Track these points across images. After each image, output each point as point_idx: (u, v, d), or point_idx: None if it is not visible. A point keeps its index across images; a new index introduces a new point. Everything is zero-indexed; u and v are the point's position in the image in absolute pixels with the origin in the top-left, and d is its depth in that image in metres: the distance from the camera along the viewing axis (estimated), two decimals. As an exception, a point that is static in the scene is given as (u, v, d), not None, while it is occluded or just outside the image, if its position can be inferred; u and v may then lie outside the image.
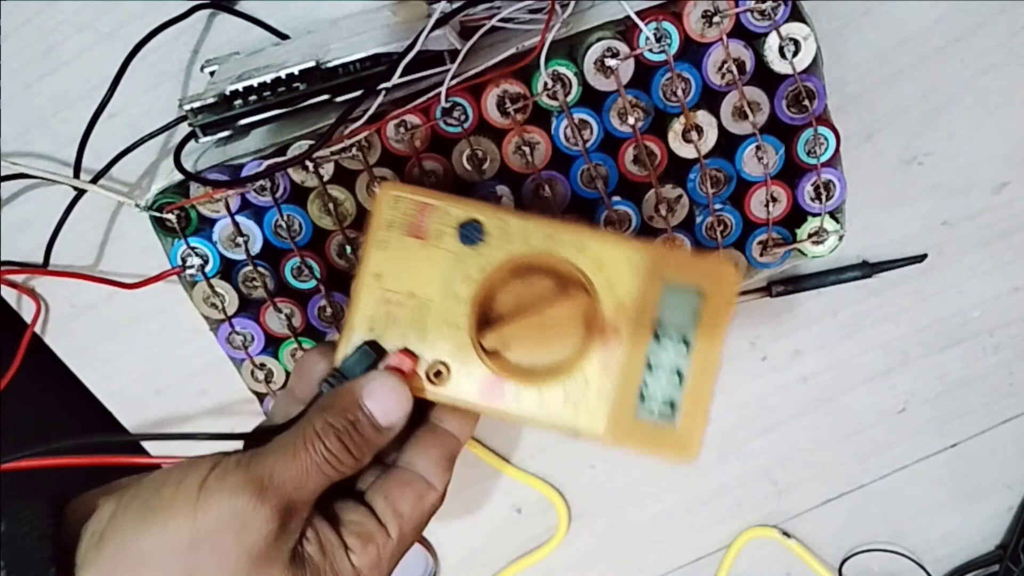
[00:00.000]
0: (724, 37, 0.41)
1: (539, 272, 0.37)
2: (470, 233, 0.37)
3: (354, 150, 0.42)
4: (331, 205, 0.43)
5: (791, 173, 0.44)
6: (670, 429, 0.38)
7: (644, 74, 0.42)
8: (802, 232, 0.46)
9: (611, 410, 0.38)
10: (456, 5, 0.39)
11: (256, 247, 0.44)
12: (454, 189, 0.44)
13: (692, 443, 0.38)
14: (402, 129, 0.41)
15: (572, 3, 0.40)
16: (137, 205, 0.43)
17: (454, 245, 0.37)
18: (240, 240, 0.44)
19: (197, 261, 0.44)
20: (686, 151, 0.43)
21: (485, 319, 0.38)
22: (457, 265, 0.37)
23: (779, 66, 0.42)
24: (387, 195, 0.37)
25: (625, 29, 0.41)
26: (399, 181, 0.41)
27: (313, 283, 0.45)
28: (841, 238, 0.46)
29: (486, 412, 0.38)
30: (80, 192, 0.49)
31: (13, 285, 0.52)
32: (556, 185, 0.43)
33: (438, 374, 0.37)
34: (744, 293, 0.54)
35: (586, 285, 0.37)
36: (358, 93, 0.40)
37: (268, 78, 0.40)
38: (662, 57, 0.41)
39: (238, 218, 0.43)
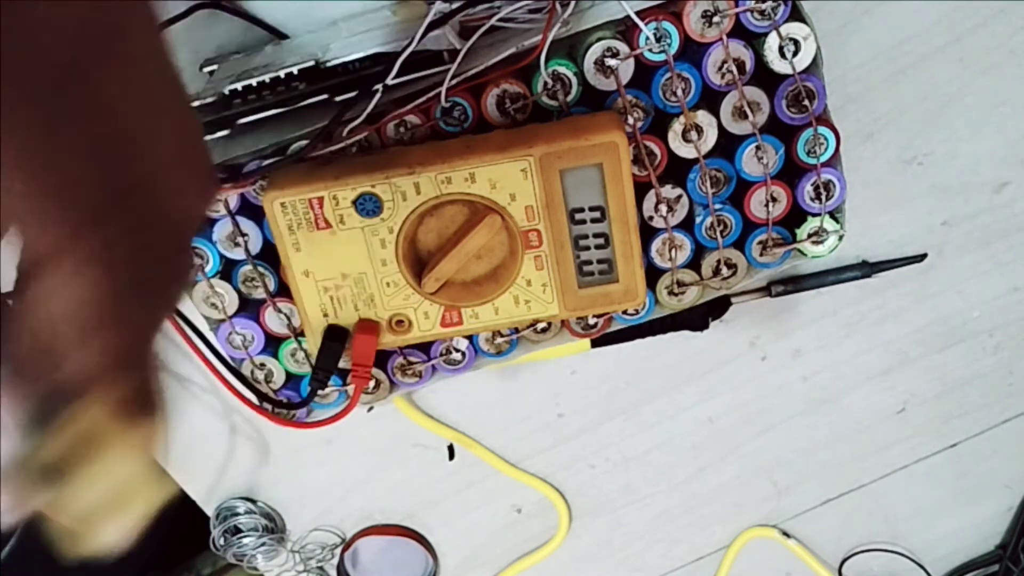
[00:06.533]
0: (724, 37, 0.41)
1: (447, 203, 0.40)
2: (367, 205, 0.39)
3: (354, 150, 0.42)
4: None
5: (791, 173, 0.44)
6: (613, 285, 0.42)
7: (644, 74, 0.41)
8: (802, 232, 0.46)
9: (558, 293, 0.42)
10: (455, 5, 0.39)
11: (256, 247, 0.44)
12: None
13: (635, 288, 0.42)
14: (402, 129, 0.41)
15: (572, 3, 0.40)
16: (137, 205, 0.43)
17: (358, 220, 0.40)
18: (240, 240, 0.44)
19: (197, 261, 0.44)
20: (686, 151, 0.43)
21: (419, 261, 0.41)
22: (370, 235, 0.40)
23: (779, 66, 0.41)
24: (272, 205, 0.40)
25: (625, 29, 0.41)
26: (279, 187, 0.40)
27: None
28: (841, 238, 0.46)
29: (454, 335, 0.43)
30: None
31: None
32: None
33: (400, 323, 0.42)
34: (744, 293, 0.54)
35: (491, 206, 0.39)
36: (356, 92, 0.40)
37: (267, 77, 0.40)
38: (662, 57, 0.41)
39: (238, 218, 0.43)
